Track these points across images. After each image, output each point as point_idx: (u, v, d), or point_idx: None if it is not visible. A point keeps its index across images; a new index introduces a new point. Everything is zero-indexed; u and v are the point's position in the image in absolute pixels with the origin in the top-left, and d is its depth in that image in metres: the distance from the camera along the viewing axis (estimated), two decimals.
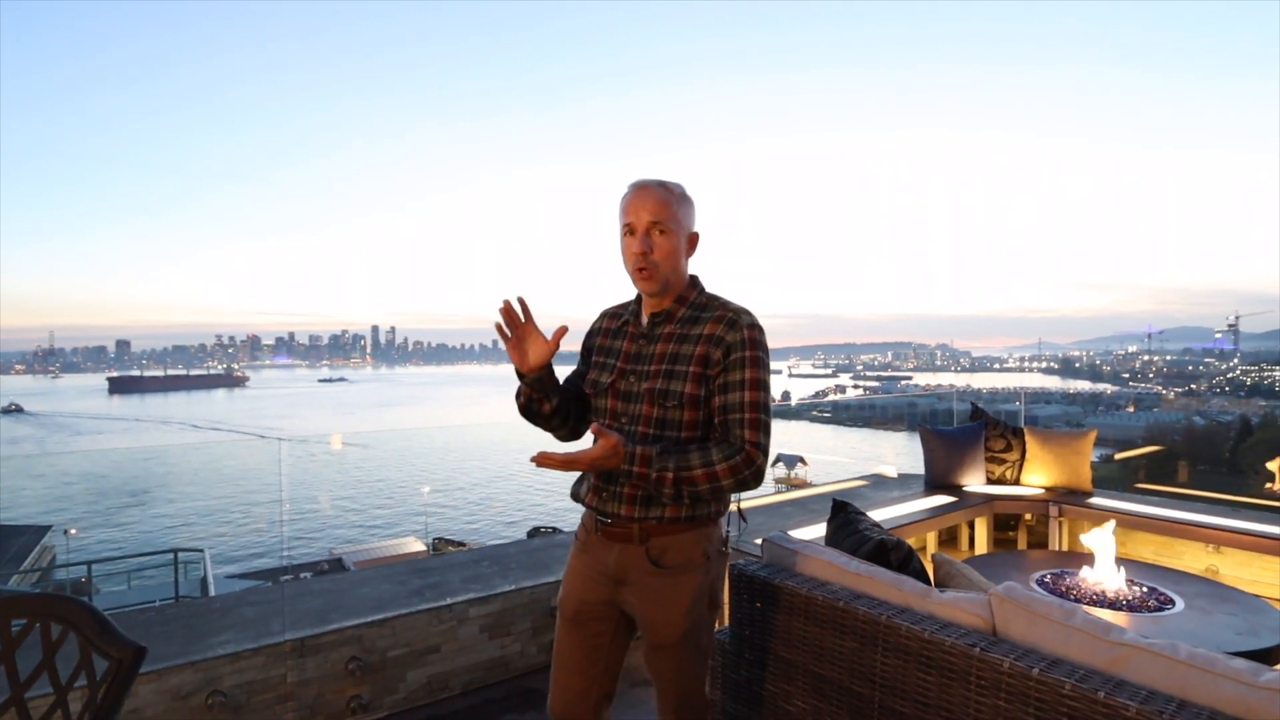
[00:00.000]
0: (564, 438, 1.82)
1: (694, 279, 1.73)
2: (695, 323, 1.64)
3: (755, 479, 1.57)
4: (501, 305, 1.60)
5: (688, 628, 1.61)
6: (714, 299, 1.70)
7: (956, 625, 1.56)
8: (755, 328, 1.62)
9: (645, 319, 1.72)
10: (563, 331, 1.62)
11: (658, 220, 1.60)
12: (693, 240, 1.69)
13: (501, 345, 1.63)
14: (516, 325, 1.61)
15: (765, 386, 1.60)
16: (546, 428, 1.78)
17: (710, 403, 1.61)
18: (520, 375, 1.66)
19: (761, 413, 1.58)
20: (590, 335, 1.86)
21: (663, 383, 1.61)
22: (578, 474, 1.74)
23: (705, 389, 1.60)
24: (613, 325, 1.79)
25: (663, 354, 1.64)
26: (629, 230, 1.63)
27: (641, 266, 1.61)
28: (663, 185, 1.63)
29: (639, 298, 1.75)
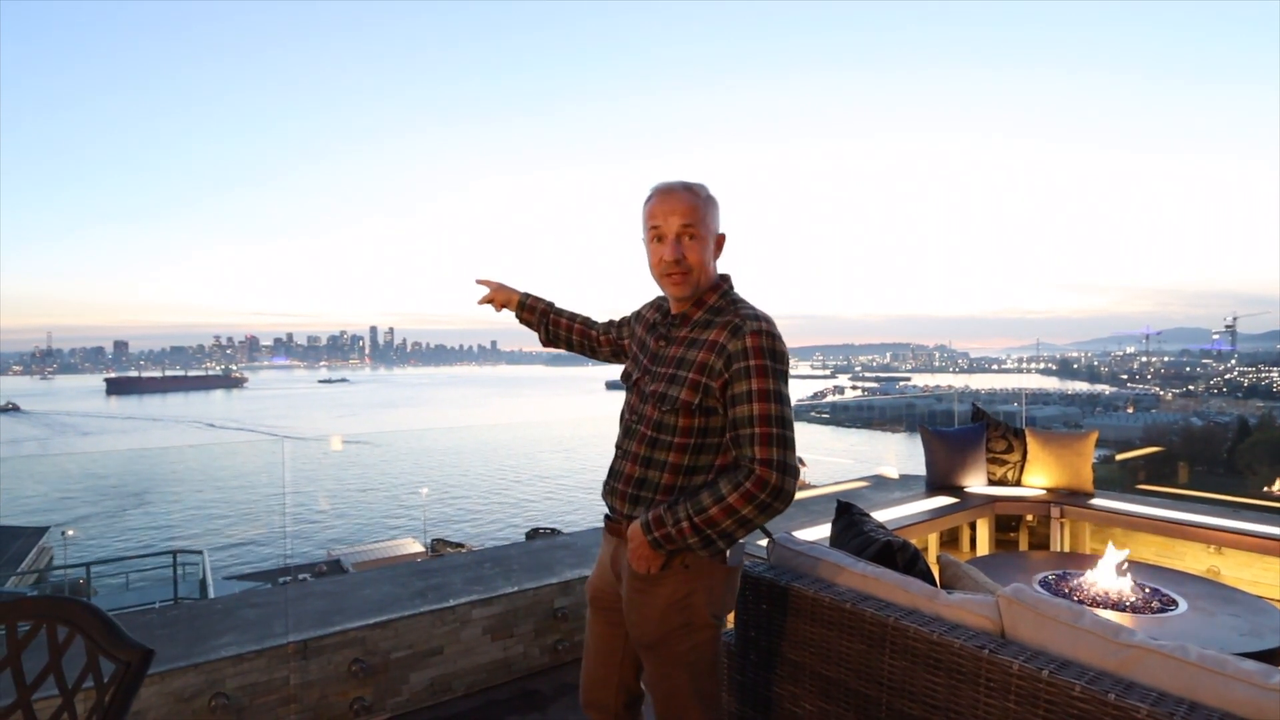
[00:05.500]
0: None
1: (719, 281, 1.66)
2: (707, 327, 1.58)
3: (777, 499, 1.45)
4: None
5: (662, 634, 1.58)
6: (733, 303, 1.61)
7: (964, 627, 1.56)
8: (763, 334, 1.52)
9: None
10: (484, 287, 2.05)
11: (688, 224, 1.58)
12: (720, 242, 1.65)
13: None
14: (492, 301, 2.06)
15: (777, 397, 1.50)
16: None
17: (713, 414, 1.55)
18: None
19: (773, 425, 1.47)
20: (636, 316, 1.88)
21: (665, 386, 1.59)
22: (607, 474, 1.78)
23: (703, 397, 1.53)
24: (652, 318, 1.77)
25: (673, 357, 1.61)
26: (657, 236, 1.61)
27: (671, 272, 1.59)
28: (688, 188, 1.61)
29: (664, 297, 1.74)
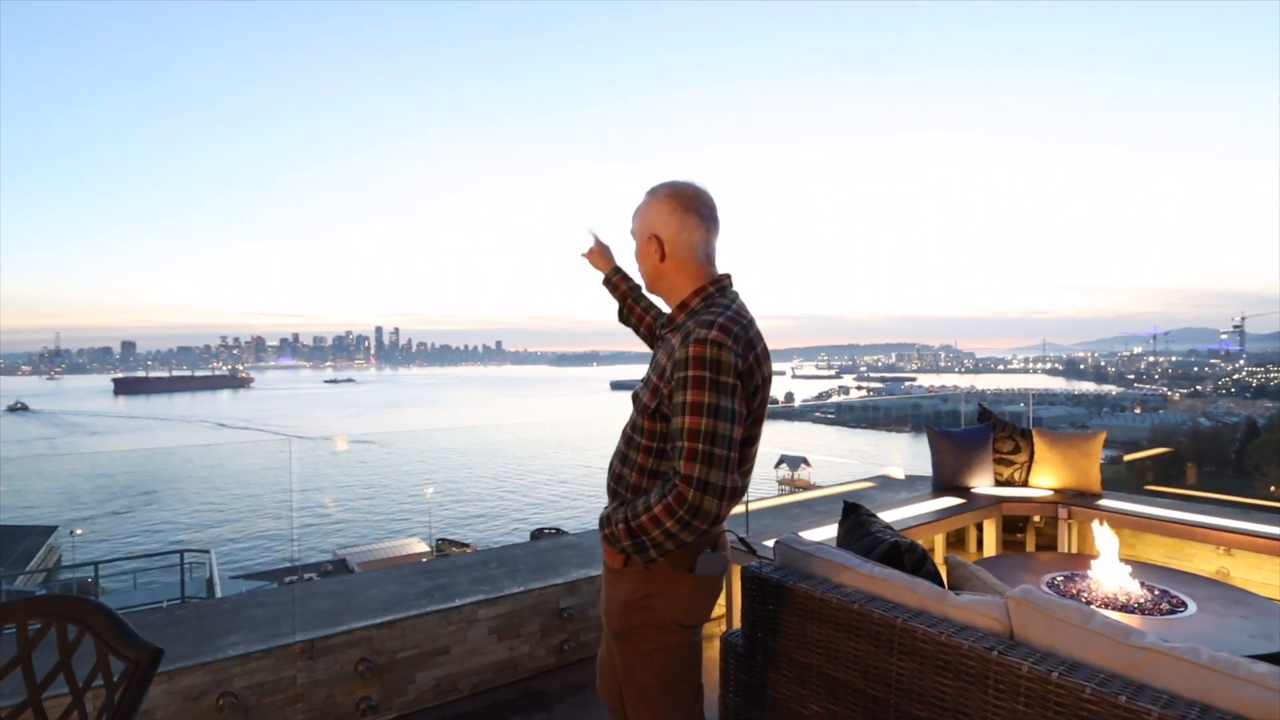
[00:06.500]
0: None
1: (708, 284, 1.61)
2: (678, 330, 1.56)
3: (695, 517, 1.39)
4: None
5: (625, 629, 1.60)
6: (708, 306, 1.56)
7: (973, 628, 1.55)
8: (707, 343, 1.43)
9: None
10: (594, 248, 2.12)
11: (631, 228, 1.71)
12: (658, 243, 1.60)
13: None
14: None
15: (711, 410, 1.40)
16: None
17: (669, 419, 1.50)
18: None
19: (700, 441, 1.39)
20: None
21: (640, 388, 1.63)
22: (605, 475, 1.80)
23: (659, 402, 1.51)
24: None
25: (654, 359, 1.64)
26: None
27: None
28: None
29: None
